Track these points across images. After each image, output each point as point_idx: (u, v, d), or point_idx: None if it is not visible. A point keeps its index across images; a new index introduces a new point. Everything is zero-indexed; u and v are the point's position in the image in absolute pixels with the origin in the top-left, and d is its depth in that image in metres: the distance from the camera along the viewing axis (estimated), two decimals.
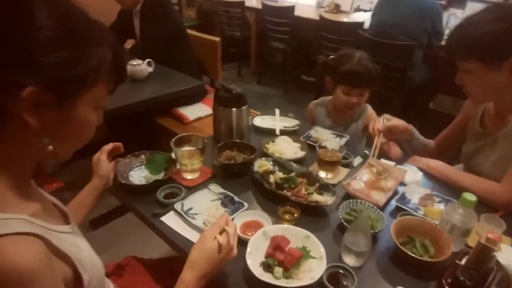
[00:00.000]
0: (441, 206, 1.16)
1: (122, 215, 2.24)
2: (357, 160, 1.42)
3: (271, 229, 0.99)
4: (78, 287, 0.66)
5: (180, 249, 0.99)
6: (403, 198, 1.20)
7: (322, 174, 1.30)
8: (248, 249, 0.91)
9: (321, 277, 0.86)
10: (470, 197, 0.94)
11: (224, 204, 1.14)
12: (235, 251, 0.85)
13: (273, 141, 1.48)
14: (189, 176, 1.25)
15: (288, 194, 1.15)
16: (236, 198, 1.15)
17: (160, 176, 1.23)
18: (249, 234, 1.00)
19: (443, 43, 2.92)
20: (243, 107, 1.46)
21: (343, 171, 1.34)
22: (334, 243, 1.02)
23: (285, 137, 1.50)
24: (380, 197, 1.18)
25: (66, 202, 1.05)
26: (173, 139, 1.24)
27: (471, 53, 1.11)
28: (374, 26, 3.11)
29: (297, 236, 0.97)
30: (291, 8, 4.00)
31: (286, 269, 0.88)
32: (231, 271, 0.91)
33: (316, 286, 0.86)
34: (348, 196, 1.18)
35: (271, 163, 1.29)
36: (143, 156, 1.32)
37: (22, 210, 0.59)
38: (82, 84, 0.60)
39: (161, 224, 1.06)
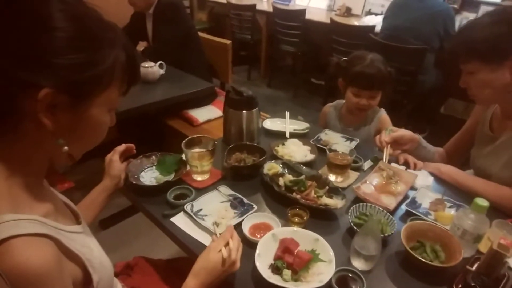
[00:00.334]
0: (452, 211, 1.15)
1: (131, 216, 2.26)
2: (367, 164, 1.42)
3: (280, 231, 1.00)
4: (87, 287, 0.67)
5: (189, 250, 1.00)
6: (414, 203, 1.19)
7: (332, 177, 1.30)
8: (257, 251, 0.92)
9: (330, 281, 0.86)
10: (482, 202, 0.93)
11: (233, 206, 1.14)
12: (237, 264, 0.87)
13: (283, 144, 1.48)
14: (199, 178, 1.26)
15: (298, 197, 1.15)
16: (245, 200, 1.16)
17: (171, 177, 1.25)
18: (258, 236, 1.00)
19: None
20: (253, 110, 1.47)
21: (353, 175, 1.33)
22: (343, 246, 1.02)
23: (295, 140, 1.50)
24: (390, 201, 1.17)
25: (76, 202, 1.07)
26: (184, 141, 1.25)
27: (473, 54, 1.15)
28: (386, 30, 3.10)
29: (306, 239, 0.97)
30: (302, 12, 4.01)
31: (295, 271, 0.89)
32: (240, 273, 0.91)
33: None
34: (358, 199, 1.18)
35: (281, 165, 1.29)
36: (154, 157, 1.33)
37: (34, 210, 0.59)
38: (97, 85, 0.61)
39: (171, 225, 1.07)
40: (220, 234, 0.94)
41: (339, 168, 1.29)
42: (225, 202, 1.16)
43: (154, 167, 1.31)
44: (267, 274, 0.87)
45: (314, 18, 4.07)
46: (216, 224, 1.04)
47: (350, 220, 1.05)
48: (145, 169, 1.30)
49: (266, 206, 1.17)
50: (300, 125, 1.68)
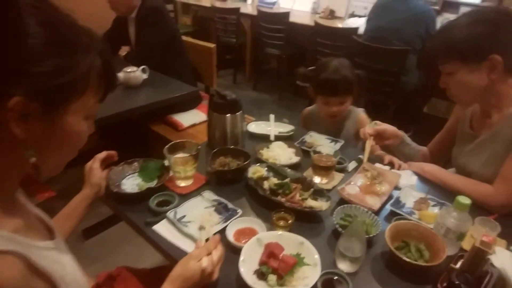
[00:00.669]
0: (436, 210, 1.16)
1: (115, 224, 2.22)
2: (351, 165, 1.42)
3: (265, 236, 0.98)
4: None
5: (172, 259, 0.97)
6: (398, 202, 1.19)
7: (317, 179, 1.29)
8: (242, 257, 0.90)
9: (315, 284, 0.85)
10: (464, 200, 0.93)
11: (217, 211, 1.13)
12: (215, 276, 0.86)
13: (268, 147, 1.47)
14: (182, 183, 1.24)
15: (283, 200, 1.14)
16: (230, 205, 1.14)
17: (153, 183, 1.22)
18: (243, 241, 0.99)
19: None
20: (237, 113, 1.46)
21: (338, 176, 1.33)
22: (328, 249, 1.01)
23: (280, 143, 1.49)
24: (374, 202, 1.17)
25: (57, 211, 1.04)
26: (166, 146, 1.23)
27: (452, 54, 1.17)
28: (369, 32, 3.13)
29: (291, 242, 0.96)
30: (286, 15, 4.02)
31: (280, 276, 0.87)
32: (224, 280, 0.90)
33: None
34: (342, 201, 1.18)
35: (266, 169, 1.28)
36: (136, 164, 1.30)
37: (3, 226, 0.57)
38: (71, 92, 0.59)
39: (153, 233, 1.05)
40: (205, 240, 0.92)
41: (323, 170, 1.29)
42: (209, 208, 1.14)
43: (136, 173, 1.29)
44: (252, 280, 0.86)
45: (298, 21, 4.09)
46: (203, 227, 1.02)
47: (335, 222, 1.05)
48: (127, 176, 1.27)
49: (251, 211, 1.16)
50: (285, 128, 1.68)
